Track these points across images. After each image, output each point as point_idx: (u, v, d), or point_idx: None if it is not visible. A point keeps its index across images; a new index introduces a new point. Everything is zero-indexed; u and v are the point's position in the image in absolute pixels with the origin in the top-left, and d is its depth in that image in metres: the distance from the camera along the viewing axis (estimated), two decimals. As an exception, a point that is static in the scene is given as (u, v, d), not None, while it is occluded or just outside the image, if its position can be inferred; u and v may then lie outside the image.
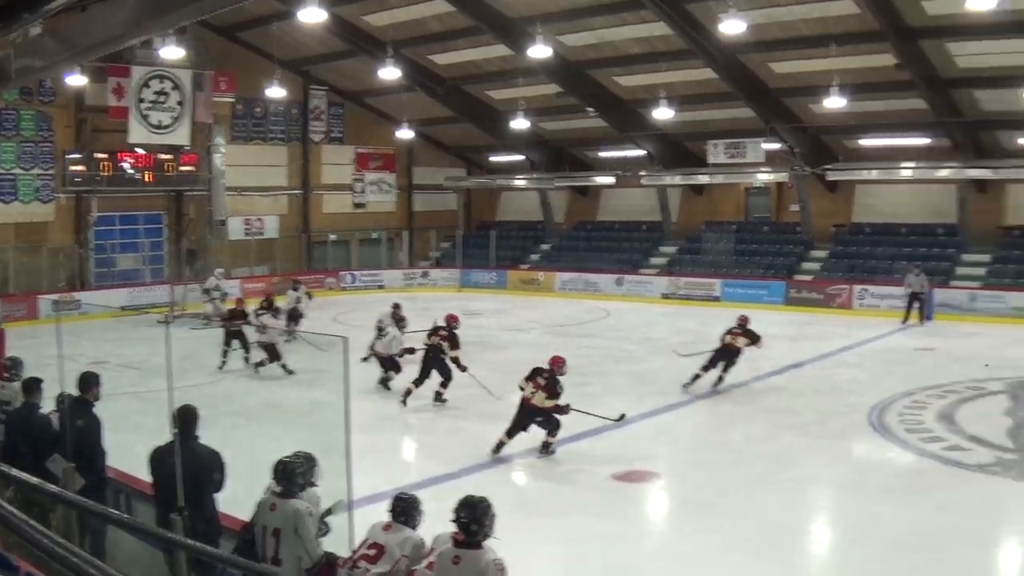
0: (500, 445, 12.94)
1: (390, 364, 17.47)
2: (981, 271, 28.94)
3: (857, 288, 29.32)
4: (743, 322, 17.89)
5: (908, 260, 29.05)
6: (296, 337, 20.25)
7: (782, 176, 32.88)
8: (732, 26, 21.63)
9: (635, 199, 37.64)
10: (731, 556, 9.42)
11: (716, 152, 32.10)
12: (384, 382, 17.39)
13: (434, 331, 16.58)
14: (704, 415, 15.31)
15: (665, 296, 32.82)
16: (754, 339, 17.62)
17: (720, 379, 17.59)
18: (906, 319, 26.06)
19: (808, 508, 11.43)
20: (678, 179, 35.56)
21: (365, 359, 18.52)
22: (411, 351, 17.21)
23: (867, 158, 31.44)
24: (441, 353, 16.17)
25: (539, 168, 38.47)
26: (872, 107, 28.16)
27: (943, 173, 29.78)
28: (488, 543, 5.73)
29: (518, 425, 12.96)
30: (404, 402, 16.11)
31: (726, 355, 17.52)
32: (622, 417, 13.36)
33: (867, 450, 13.68)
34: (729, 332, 17.72)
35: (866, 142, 31.13)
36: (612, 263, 35.44)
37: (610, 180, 37.28)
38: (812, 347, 22.15)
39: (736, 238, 34.66)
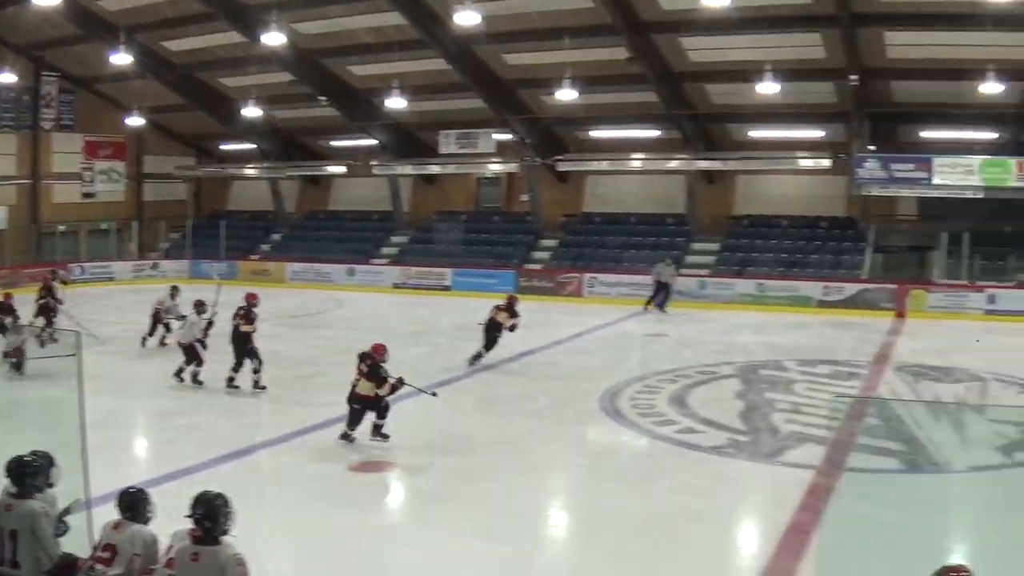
0: (346, 435, 12.56)
1: (193, 355, 16.21)
2: (710, 259, 30.25)
3: (587, 276, 29.89)
4: (511, 301, 18.71)
5: (637, 249, 30.10)
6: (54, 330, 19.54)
7: (513, 167, 33.31)
8: (466, 17, 21.68)
9: (367, 189, 37.27)
10: (472, 543, 9.22)
11: (448, 142, 31.98)
12: (194, 377, 16.19)
13: (236, 312, 16.09)
14: (439, 403, 14.93)
15: (397, 286, 32.64)
16: (513, 315, 18.25)
17: (478, 355, 18.01)
18: (648, 305, 26.59)
19: (546, 492, 11.34)
20: (409, 169, 35.46)
21: (143, 345, 19.67)
22: (211, 324, 16.39)
23: (598, 149, 32.19)
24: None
25: (271, 157, 37.79)
26: (604, 99, 28.82)
27: (673, 164, 30.88)
28: (227, 539, 5.64)
29: (353, 415, 12.55)
30: (234, 386, 15.69)
31: (489, 329, 18.19)
32: (435, 394, 13.32)
33: (601, 434, 13.70)
34: (496, 307, 18.54)
35: (597, 134, 31.84)
36: (344, 253, 34.97)
37: (341, 170, 36.91)
38: (544, 334, 22.15)
39: (467, 228, 34.87)
